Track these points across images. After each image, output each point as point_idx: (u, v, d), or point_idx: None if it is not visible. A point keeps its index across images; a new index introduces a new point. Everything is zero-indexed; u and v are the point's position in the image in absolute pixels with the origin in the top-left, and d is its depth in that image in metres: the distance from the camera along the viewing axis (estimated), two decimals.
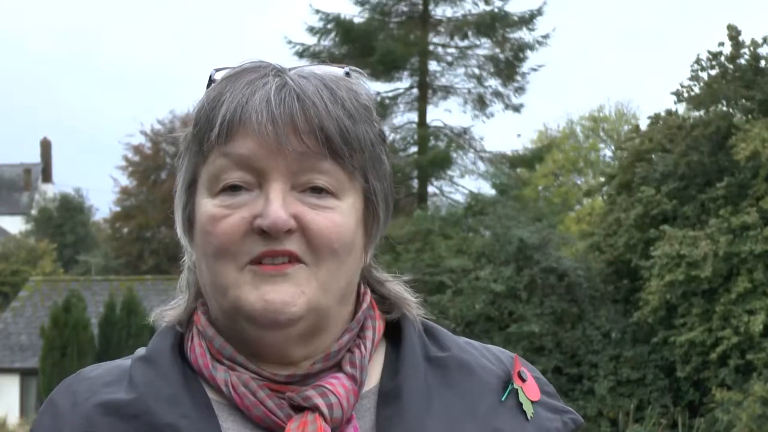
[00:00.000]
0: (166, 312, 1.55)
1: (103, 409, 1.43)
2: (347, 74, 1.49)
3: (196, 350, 1.48)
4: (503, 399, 1.50)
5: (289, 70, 1.47)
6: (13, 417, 23.61)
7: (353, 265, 1.47)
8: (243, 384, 1.42)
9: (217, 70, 1.49)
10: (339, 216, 1.42)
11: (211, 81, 1.49)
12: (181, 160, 1.51)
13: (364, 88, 1.49)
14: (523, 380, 1.54)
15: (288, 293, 1.40)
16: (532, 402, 1.52)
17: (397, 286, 1.57)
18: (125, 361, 1.52)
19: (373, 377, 1.49)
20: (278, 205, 1.39)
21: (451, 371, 1.50)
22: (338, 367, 1.45)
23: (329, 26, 25.94)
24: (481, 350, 1.58)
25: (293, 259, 1.40)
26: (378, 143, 1.48)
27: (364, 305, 1.51)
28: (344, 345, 1.46)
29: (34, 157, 58.44)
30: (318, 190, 1.42)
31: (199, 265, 1.47)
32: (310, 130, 1.40)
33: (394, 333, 1.54)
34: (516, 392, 1.52)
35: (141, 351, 1.52)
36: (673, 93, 20.93)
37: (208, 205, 1.43)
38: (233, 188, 1.42)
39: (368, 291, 1.53)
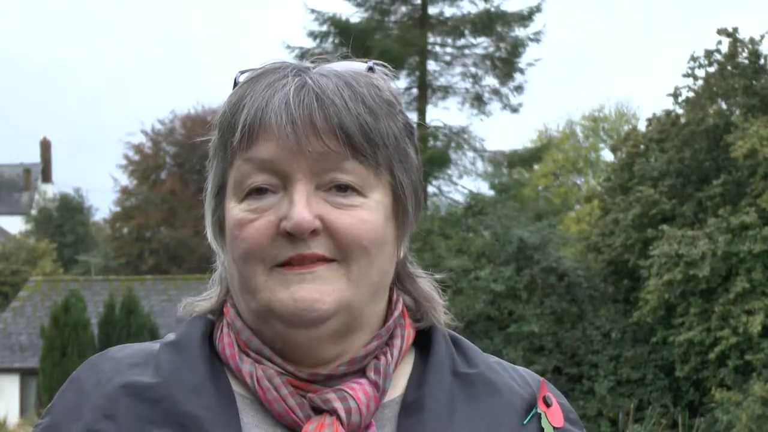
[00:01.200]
0: (197, 303, 1.55)
1: (125, 390, 1.43)
2: (370, 69, 1.49)
3: (224, 340, 1.47)
4: (525, 422, 1.48)
5: (311, 68, 1.46)
6: (13, 417, 23.60)
7: (386, 260, 1.46)
8: (267, 378, 1.42)
9: (241, 72, 1.49)
10: (366, 213, 1.41)
11: (236, 83, 1.48)
12: (210, 165, 1.50)
13: (386, 83, 1.49)
14: (548, 405, 1.52)
15: (318, 291, 1.39)
16: (555, 428, 1.51)
17: (427, 285, 1.57)
18: (154, 345, 1.52)
19: (399, 386, 1.48)
20: (302, 206, 1.38)
21: (476, 388, 1.48)
22: (362, 372, 1.44)
23: (325, 27, 25.93)
24: (510, 371, 1.56)
25: (322, 259, 1.40)
26: (402, 137, 1.47)
27: (396, 313, 1.50)
28: (371, 351, 1.45)
29: (34, 157, 58.43)
30: (343, 188, 1.41)
31: (229, 268, 1.46)
32: (330, 130, 1.39)
33: (423, 343, 1.53)
34: (539, 416, 1.50)
35: (171, 336, 1.52)
36: (669, 94, 20.99)
37: (235, 210, 1.43)
38: (259, 191, 1.41)
39: (401, 299, 1.52)
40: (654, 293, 18.55)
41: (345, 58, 1.51)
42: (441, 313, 1.55)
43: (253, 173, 1.41)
